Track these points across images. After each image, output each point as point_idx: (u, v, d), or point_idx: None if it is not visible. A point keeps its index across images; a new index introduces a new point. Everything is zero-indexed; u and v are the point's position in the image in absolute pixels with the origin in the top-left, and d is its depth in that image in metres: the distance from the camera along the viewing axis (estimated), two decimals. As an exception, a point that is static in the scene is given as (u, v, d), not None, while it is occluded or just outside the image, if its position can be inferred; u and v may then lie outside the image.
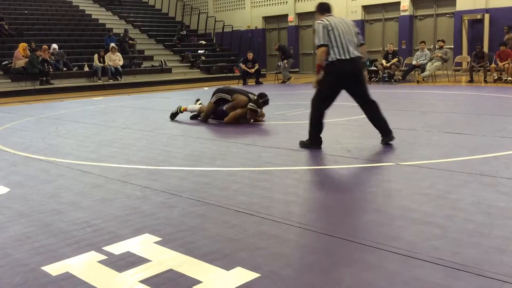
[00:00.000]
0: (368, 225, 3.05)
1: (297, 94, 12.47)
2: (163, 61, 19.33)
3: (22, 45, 15.48)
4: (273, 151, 5.41)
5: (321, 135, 5.41)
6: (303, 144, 5.48)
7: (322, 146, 5.41)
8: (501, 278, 2.29)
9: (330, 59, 5.09)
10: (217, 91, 7.91)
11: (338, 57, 5.04)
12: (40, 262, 2.65)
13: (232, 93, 7.69)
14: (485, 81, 13.77)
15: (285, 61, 16.89)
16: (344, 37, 5.06)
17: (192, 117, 8.26)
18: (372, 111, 5.37)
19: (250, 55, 16.99)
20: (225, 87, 8.06)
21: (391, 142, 5.40)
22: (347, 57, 5.04)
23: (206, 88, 15.49)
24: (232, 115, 7.50)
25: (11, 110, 10.83)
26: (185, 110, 8.30)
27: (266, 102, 7.60)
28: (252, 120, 7.55)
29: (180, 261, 2.61)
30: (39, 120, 8.80)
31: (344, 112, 8.00)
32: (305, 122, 7.24)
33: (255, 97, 7.55)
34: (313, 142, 5.40)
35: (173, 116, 8.33)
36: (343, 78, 5.15)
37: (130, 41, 19.40)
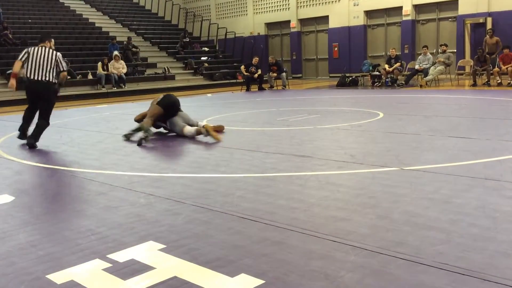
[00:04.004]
0: (373, 230, 3.04)
1: (299, 100, 12.47)
2: (166, 68, 19.38)
3: None
4: (277, 157, 5.40)
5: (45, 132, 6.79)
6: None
7: (326, 152, 5.41)
8: (507, 283, 2.28)
9: (25, 77, 6.65)
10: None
11: (28, 76, 6.54)
12: (45, 270, 2.66)
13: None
14: (488, 85, 13.74)
15: (274, 74, 17.01)
16: (37, 63, 6.51)
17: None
18: (33, 121, 6.87)
19: (256, 60, 16.79)
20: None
21: (28, 143, 6.62)
22: (35, 78, 6.51)
23: (209, 95, 15.53)
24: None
25: (16, 118, 10.82)
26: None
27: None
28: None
29: (185, 268, 2.61)
30: (43, 129, 8.80)
31: (347, 118, 8.03)
32: (308, 128, 7.29)
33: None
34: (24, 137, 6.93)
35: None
36: (29, 93, 6.77)
37: (134, 49, 19.47)
